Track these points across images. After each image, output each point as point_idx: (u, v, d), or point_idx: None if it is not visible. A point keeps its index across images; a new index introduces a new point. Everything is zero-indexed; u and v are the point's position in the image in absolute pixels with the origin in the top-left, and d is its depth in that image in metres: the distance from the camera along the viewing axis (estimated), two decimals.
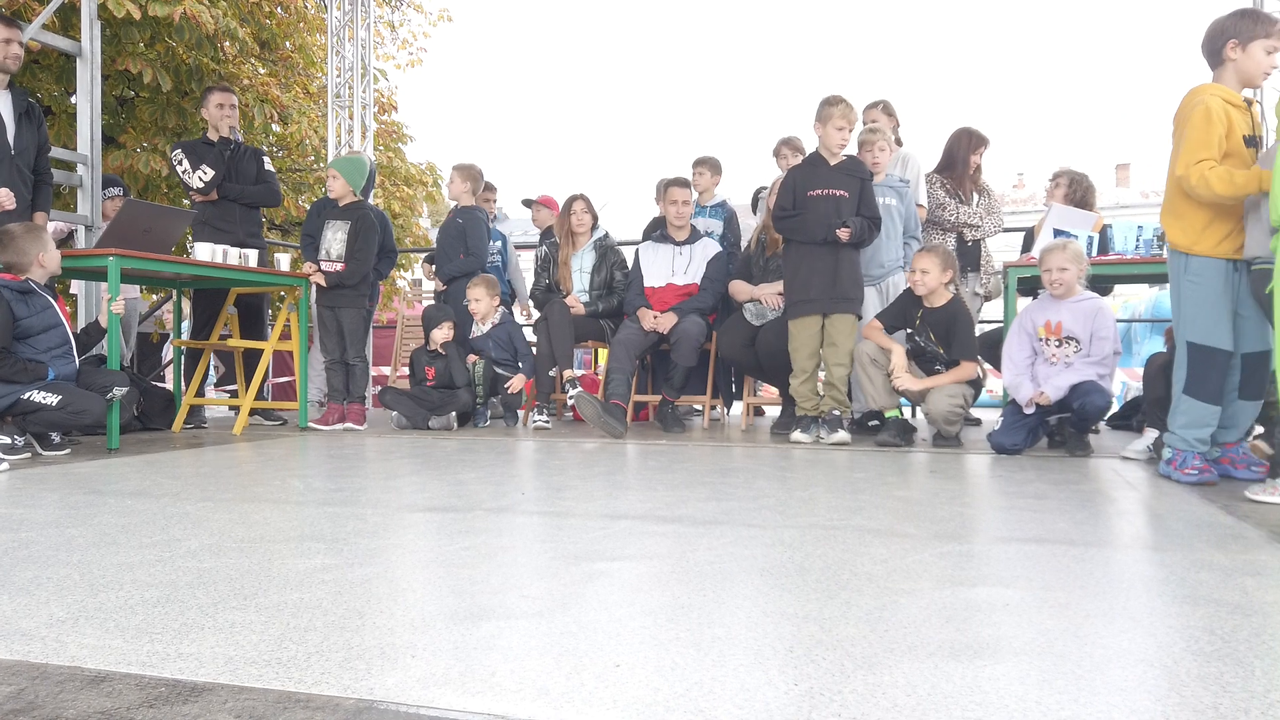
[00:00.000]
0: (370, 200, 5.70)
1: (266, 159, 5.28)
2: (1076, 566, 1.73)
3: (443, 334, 5.03)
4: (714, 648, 1.24)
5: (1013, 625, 1.35)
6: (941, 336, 4.05)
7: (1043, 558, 1.81)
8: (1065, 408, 3.71)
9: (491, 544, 1.92)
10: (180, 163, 4.94)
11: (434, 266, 5.93)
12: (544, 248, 5.51)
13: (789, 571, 1.68)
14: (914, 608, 1.43)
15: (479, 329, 5.16)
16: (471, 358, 5.07)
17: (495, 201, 6.37)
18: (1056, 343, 3.76)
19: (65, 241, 5.34)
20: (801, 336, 4.21)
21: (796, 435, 4.23)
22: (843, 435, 4.11)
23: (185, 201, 7.94)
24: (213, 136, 5.02)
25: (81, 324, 4.95)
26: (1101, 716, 1.01)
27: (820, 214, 4.13)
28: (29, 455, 3.51)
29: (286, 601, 1.46)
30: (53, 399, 3.47)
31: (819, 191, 4.16)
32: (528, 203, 6.30)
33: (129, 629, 1.32)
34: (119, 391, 3.78)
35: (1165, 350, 3.86)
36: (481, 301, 5.09)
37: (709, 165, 5.56)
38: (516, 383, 5.00)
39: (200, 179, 4.89)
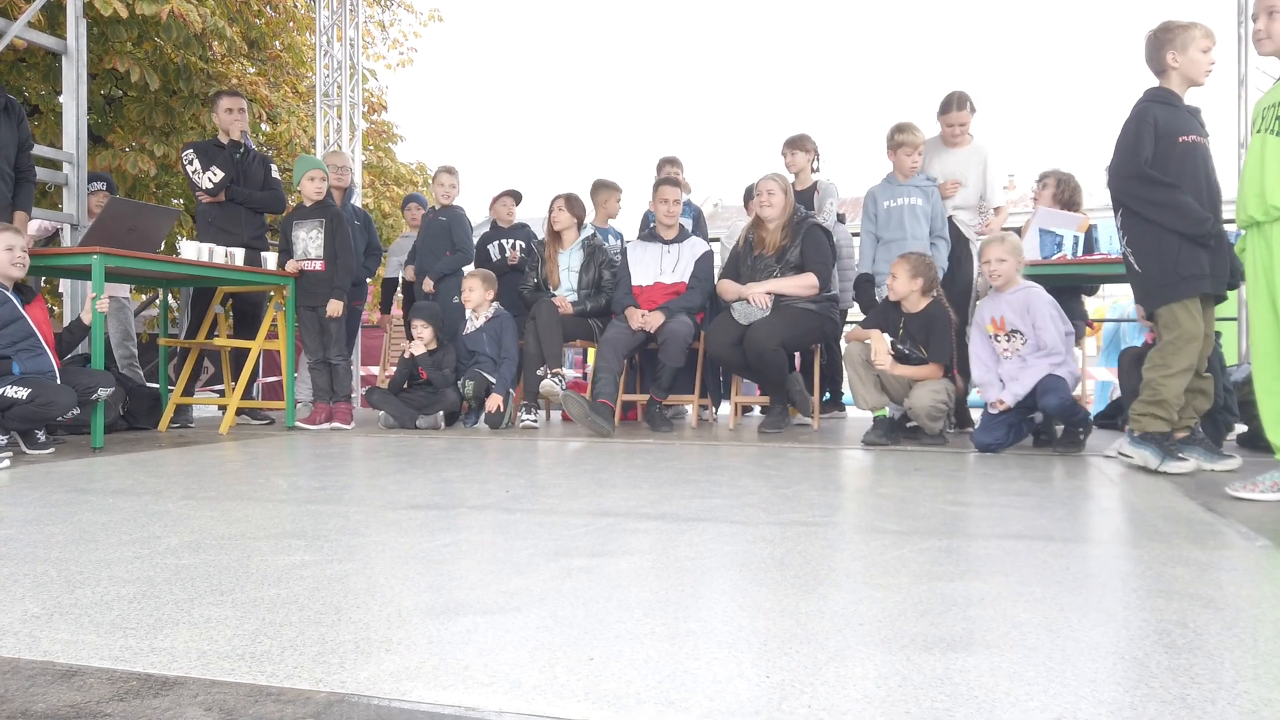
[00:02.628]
0: (359, 201, 5.67)
1: (274, 166, 5.33)
2: (1054, 561, 1.74)
3: (419, 334, 4.99)
4: (689, 641, 1.24)
5: (987, 619, 1.35)
6: (923, 342, 4.08)
7: (1021, 553, 1.82)
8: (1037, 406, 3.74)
9: (473, 540, 1.92)
10: (191, 163, 4.99)
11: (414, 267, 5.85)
12: (533, 246, 5.51)
13: (768, 567, 1.68)
14: (889, 602, 1.44)
15: (472, 324, 5.14)
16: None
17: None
18: (1005, 337, 3.81)
19: (51, 240, 5.32)
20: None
21: (1166, 464, 3.08)
22: (1233, 463, 3.16)
23: (174, 201, 7.90)
24: (223, 139, 5.09)
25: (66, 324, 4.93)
26: (1068, 707, 1.01)
27: (1197, 168, 3.13)
28: (11, 454, 3.49)
29: (263, 597, 1.46)
30: (22, 392, 3.45)
31: (1190, 138, 3.13)
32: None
33: (103, 624, 1.31)
34: (104, 392, 3.76)
35: (1140, 346, 3.89)
36: (475, 291, 5.07)
37: (676, 164, 5.59)
38: (492, 402, 4.90)
39: (210, 180, 4.93)
